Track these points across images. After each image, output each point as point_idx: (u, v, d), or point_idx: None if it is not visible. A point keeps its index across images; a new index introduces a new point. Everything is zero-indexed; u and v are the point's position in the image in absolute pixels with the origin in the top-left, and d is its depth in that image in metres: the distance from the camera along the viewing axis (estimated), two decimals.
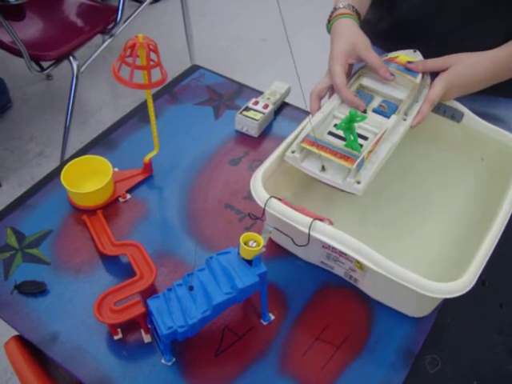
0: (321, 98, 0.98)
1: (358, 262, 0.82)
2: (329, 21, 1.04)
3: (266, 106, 1.18)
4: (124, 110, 2.56)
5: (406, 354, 0.84)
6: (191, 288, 0.78)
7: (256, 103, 1.18)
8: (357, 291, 0.91)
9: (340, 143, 0.87)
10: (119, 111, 2.60)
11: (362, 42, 0.97)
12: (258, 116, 1.15)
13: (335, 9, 1.04)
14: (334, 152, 0.84)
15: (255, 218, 0.83)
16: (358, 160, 0.82)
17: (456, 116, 1.02)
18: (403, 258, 0.80)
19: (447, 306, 0.89)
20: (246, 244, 0.77)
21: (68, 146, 2.27)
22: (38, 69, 2.11)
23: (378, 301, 0.90)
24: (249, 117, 1.15)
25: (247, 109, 1.17)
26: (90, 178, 1.03)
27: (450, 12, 1.05)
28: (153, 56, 0.87)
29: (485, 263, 0.79)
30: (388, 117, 0.91)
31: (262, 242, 0.77)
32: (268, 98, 1.20)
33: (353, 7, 1.03)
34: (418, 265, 0.84)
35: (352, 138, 0.86)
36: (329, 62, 0.98)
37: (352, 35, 0.98)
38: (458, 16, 1.05)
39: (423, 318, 0.88)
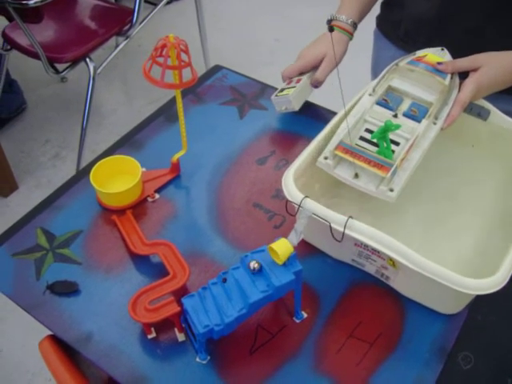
0: (290, 79, 1.20)
1: (391, 259, 0.83)
2: (328, 21, 1.19)
3: (298, 81, 1.17)
4: (139, 111, 2.60)
5: (440, 351, 0.84)
6: (224, 280, 0.79)
7: (289, 82, 1.18)
8: (388, 289, 0.91)
9: (372, 149, 0.88)
10: (134, 112, 2.61)
11: (331, 57, 1.15)
12: (291, 90, 1.15)
13: (336, 17, 1.17)
14: (367, 160, 0.85)
15: (291, 215, 0.83)
16: (392, 169, 0.83)
17: (482, 114, 1.02)
18: (431, 255, 0.80)
19: (477, 303, 0.89)
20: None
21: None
22: (54, 71, 2.12)
23: (409, 298, 0.90)
24: (283, 95, 1.15)
25: (281, 90, 1.17)
26: (118, 178, 1.04)
27: (470, 11, 1.05)
28: (183, 56, 0.87)
29: None
30: (419, 121, 0.91)
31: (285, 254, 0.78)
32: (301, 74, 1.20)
33: (353, 23, 1.18)
34: (446, 262, 0.84)
35: (385, 145, 0.86)
36: (302, 50, 1.19)
37: (333, 51, 1.15)
38: (479, 15, 1.05)
39: (455, 315, 0.88)
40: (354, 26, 1.18)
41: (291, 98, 1.14)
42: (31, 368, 1.78)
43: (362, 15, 1.21)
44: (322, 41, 1.18)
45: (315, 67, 1.18)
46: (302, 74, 1.20)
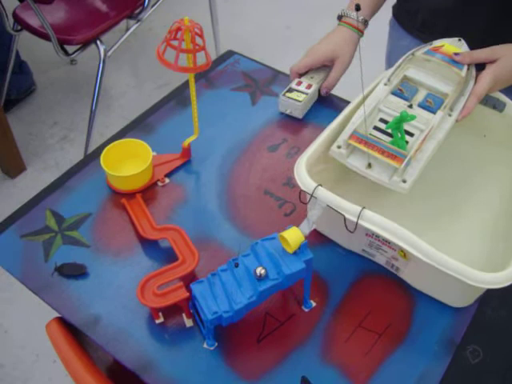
0: (300, 74, 1.18)
1: (402, 250, 0.82)
2: (339, 16, 1.17)
3: (309, 87, 1.15)
4: (148, 95, 2.59)
5: (448, 344, 0.84)
6: (237, 265, 0.78)
7: (299, 84, 1.16)
8: (397, 280, 0.91)
9: (386, 139, 0.87)
10: (143, 96, 2.61)
11: (342, 61, 1.14)
12: (302, 97, 1.13)
13: (347, 13, 1.15)
14: (381, 150, 0.84)
15: (304, 203, 0.82)
16: (406, 160, 0.82)
17: (498, 106, 1.01)
18: (443, 247, 0.79)
19: (487, 297, 0.89)
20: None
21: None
22: (64, 53, 2.11)
23: (418, 290, 0.89)
24: (292, 98, 1.13)
25: (290, 90, 1.15)
26: (128, 162, 1.03)
27: (487, 2, 1.04)
28: (198, 40, 0.86)
29: None
30: (434, 112, 0.90)
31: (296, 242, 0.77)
32: (311, 77, 1.18)
33: (365, 20, 1.16)
34: (458, 254, 0.83)
35: (399, 135, 0.85)
36: (312, 47, 1.17)
37: (344, 49, 1.14)
38: (495, 5, 1.04)
39: (464, 309, 0.88)
40: (365, 23, 1.17)
41: (300, 107, 1.13)
42: (36, 349, 1.79)
43: (374, 11, 1.19)
44: (332, 38, 1.15)
45: (324, 65, 1.17)
46: (310, 70, 1.19)
